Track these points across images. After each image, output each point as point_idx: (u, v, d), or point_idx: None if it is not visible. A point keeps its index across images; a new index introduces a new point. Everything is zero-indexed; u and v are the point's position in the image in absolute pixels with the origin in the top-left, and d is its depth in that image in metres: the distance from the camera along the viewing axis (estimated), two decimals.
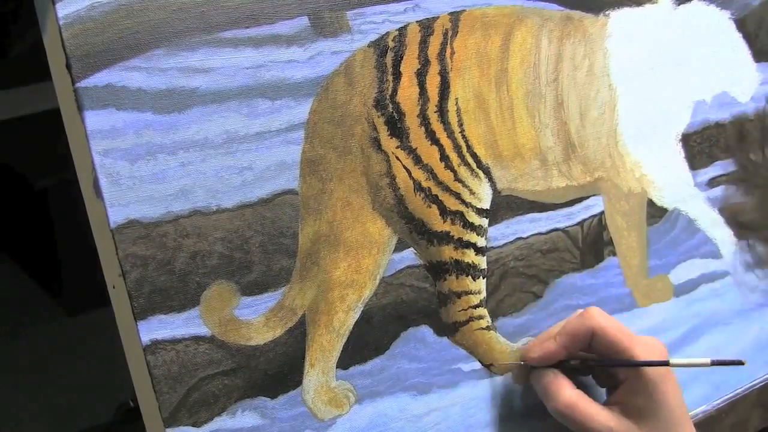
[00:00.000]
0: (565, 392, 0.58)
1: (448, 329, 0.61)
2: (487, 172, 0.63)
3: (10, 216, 2.20)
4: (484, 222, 0.63)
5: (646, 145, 0.71)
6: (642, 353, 0.58)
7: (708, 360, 0.56)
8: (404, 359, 0.59)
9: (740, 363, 0.56)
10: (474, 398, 0.61)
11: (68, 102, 0.51)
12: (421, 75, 0.61)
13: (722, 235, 0.75)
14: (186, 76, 0.53)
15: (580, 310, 0.60)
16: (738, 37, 0.78)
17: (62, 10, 0.50)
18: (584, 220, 0.68)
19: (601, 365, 0.60)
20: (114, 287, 0.51)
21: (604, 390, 0.62)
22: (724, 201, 0.75)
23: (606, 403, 0.59)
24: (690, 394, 0.69)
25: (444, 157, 0.61)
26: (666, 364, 0.57)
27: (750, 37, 0.79)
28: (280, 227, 0.56)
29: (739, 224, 0.71)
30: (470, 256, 0.62)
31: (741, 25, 0.79)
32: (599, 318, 0.59)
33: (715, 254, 0.74)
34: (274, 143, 0.56)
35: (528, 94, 0.65)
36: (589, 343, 0.59)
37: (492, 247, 0.63)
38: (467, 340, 0.62)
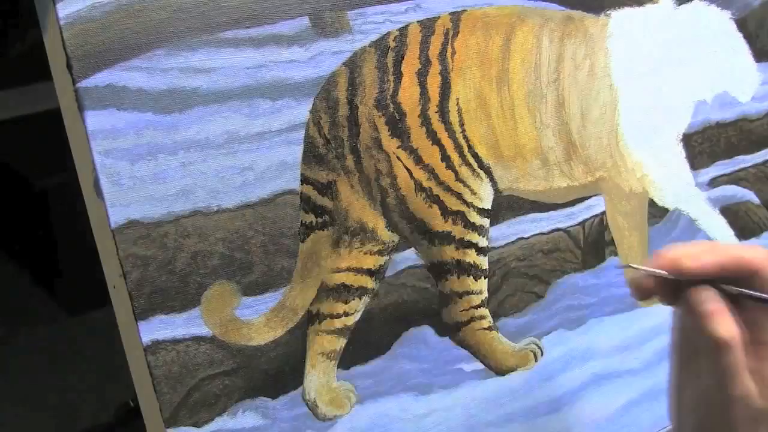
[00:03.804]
0: (731, 324, 0.48)
1: (450, 329, 0.61)
2: (489, 172, 0.63)
3: (10, 216, 2.20)
4: (486, 222, 0.63)
5: (648, 145, 0.71)
6: None
7: None
8: (405, 359, 0.59)
9: None
10: (475, 398, 0.61)
11: (69, 102, 0.51)
12: (422, 75, 0.61)
13: (723, 235, 0.75)
14: (187, 76, 0.53)
15: (752, 245, 0.52)
16: (739, 37, 0.78)
17: (63, 10, 0.50)
18: (586, 220, 0.68)
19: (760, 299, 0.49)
20: (115, 287, 0.51)
21: None
22: (725, 201, 0.75)
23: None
24: None
25: (445, 157, 0.61)
26: None
27: (751, 37, 0.79)
28: (281, 227, 0.56)
29: None
30: (472, 256, 0.62)
31: (742, 25, 0.78)
32: None
33: None
34: (275, 143, 0.56)
35: (529, 94, 0.65)
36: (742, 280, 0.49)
37: (493, 247, 0.63)
38: (469, 341, 0.62)
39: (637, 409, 0.67)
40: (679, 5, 0.75)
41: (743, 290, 0.49)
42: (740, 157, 0.78)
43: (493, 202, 0.63)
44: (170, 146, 0.52)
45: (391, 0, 0.61)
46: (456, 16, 0.63)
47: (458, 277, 0.61)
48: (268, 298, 0.55)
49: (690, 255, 0.49)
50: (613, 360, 0.67)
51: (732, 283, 0.49)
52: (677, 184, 0.73)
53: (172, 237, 0.52)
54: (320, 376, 0.56)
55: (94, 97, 0.50)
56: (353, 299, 0.58)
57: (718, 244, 0.51)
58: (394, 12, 0.61)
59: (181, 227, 0.52)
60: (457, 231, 0.61)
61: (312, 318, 0.57)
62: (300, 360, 0.56)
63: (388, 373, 0.58)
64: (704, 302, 0.49)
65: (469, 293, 0.61)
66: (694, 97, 0.75)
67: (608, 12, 0.71)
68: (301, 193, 0.56)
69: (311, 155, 0.57)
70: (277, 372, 0.55)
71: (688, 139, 0.74)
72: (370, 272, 0.58)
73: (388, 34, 0.60)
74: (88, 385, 1.81)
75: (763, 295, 0.49)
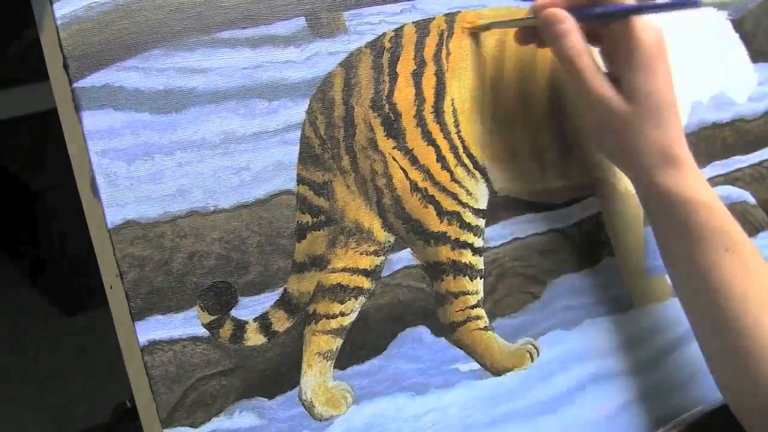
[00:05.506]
0: (577, 37, 0.58)
1: (446, 329, 0.61)
2: (484, 173, 0.63)
3: (7, 216, 2.20)
4: (481, 222, 0.63)
5: None
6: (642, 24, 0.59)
7: None
8: (402, 359, 0.59)
9: None
10: (472, 398, 0.61)
11: (66, 102, 0.51)
12: (417, 76, 0.61)
13: None
14: (183, 76, 0.53)
15: None
16: (736, 37, 0.79)
17: (60, 11, 0.50)
18: (582, 221, 0.68)
19: (613, 14, 0.59)
20: (111, 288, 0.51)
21: None
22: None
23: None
24: (689, 394, 0.69)
25: (440, 158, 0.61)
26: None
27: (747, 38, 0.79)
28: (277, 228, 0.56)
29: None
30: (467, 257, 0.62)
31: (738, 25, 0.79)
32: None
33: None
34: (271, 144, 0.56)
35: (524, 94, 0.65)
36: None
37: (489, 247, 0.63)
38: (465, 341, 0.62)
39: (635, 409, 0.67)
40: None
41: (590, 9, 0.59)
42: (736, 158, 0.78)
43: (489, 202, 0.63)
44: (167, 146, 0.52)
45: (387, 1, 0.61)
46: (451, 17, 0.63)
47: (454, 278, 0.61)
48: (265, 299, 0.55)
49: None
50: (610, 360, 0.67)
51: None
52: None
53: (169, 237, 0.52)
54: (317, 376, 0.56)
55: (90, 97, 0.51)
56: (349, 299, 0.58)
57: None
58: (389, 13, 0.61)
59: (178, 227, 0.53)
60: (453, 231, 0.61)
61: (308, 318, 0.57)
62: (296, 360, 0.56)
63: (384, 373, 0.58)
64: (555, 23, 0.59)
65: (464, 293, 0.61)
66: (691, 98, 0.75)
67: None
68: (297, 193, 0.56)
69: (307, 156, 0.57)
70: (273, 372, 0.55)
71: None
72: (366, 272, 0.59)
73: (384, 34, 0.60)
74: (85, 386, 1.81)
75: (606, 8, 0.59)
